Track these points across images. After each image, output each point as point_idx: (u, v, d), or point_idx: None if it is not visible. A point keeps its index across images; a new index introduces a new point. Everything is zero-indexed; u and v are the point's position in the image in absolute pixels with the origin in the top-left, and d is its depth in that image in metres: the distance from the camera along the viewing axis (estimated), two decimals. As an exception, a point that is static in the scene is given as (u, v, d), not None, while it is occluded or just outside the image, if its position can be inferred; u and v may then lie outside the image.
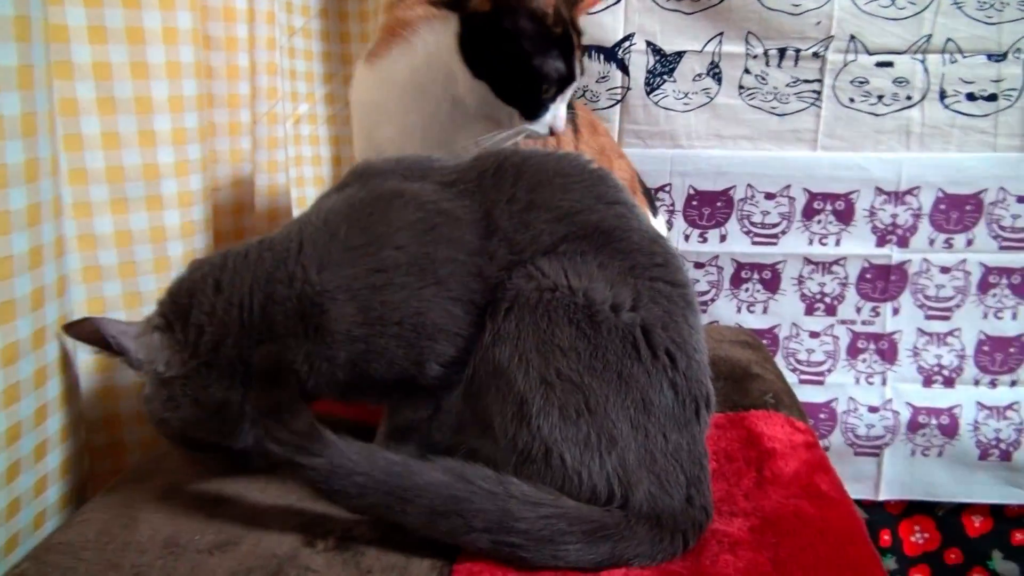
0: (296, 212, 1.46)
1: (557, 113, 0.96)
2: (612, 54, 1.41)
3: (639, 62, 1.41)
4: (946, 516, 1.60)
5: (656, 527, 0.72)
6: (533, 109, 0.95)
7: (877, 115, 1.42)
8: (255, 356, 0.71)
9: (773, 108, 1.43)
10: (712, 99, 1.43)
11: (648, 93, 1.43)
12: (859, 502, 1.58)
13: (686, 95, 1.43)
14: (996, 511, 1.59)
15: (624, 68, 1.42)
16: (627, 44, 1.41)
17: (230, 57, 1.13)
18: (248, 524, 0.73)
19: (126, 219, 0.96)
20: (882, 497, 1.56)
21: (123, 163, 0.94)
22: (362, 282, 0.74)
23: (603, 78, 1.42)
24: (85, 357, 0.91)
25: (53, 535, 0.73)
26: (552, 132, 0.97)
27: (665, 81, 1.42)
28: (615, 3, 1.38)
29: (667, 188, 1.47)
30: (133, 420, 0.99)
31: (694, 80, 1.42)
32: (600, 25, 1.40)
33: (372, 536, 0.71)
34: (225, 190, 1.17)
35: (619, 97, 1.43)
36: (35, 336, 0.77)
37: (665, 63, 1.42)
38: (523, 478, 0.72)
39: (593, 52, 1.41)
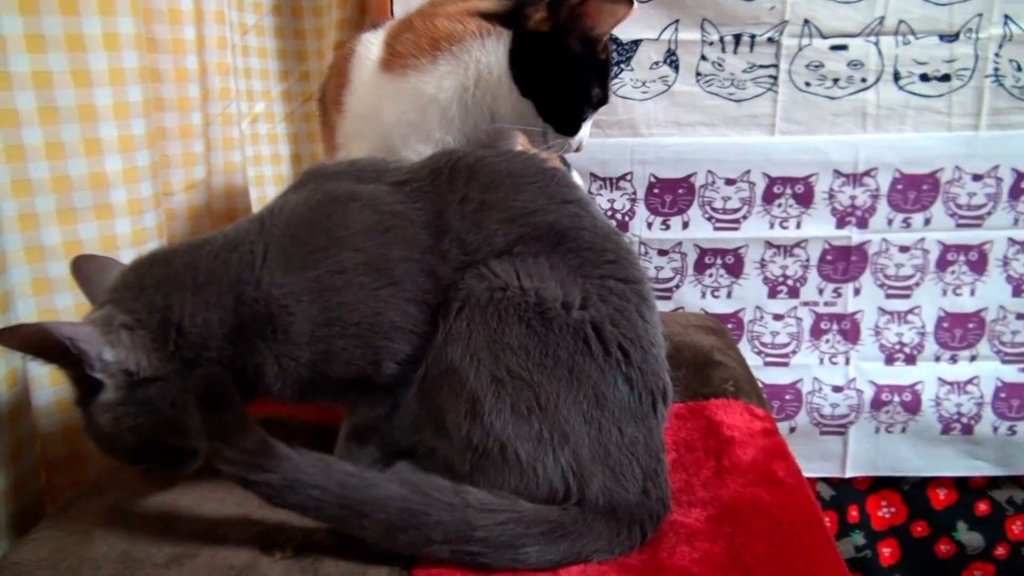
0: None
1: (585, 131, 0.98)
2: (569, 44, 1.41)
3: (596, 51, 1.41)
4: (912, 490, 1.63)
5: (613, 521, 0.72)
6: (572, 127, 0.96)
7: (833, 98, 1.43)
8: (192, 381, 0.69)
9: (730, 94, 1.44)
10: (670, 87, 1.43)
11: (606, 82, 1.43)
12: (827, 479, 1.61)
13: (644, 84, 1.43)
14: (960, 483, 1.62)
15: (581, 58, 1.41)
16: (583, 33, 1.40)
17: (177, 60, 1.11)
18: (205, 536, 0.73)
19: (74, 229, 0.95)
20: (849, 474, 1.59)
21: (68, 172, 0.93)
22: (323, 284, 0.75)
23: (560, 68, 1.42)
24: (40, 371, 0.90)
25: (7, 555, 0.72)
26: (578, 149, 0.99)
27: (623, 70, 1.42)
28: (570, -8, 1.38)
29: (628, 177, 1.48)
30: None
31: (651, 68, 1.42)
32: (556, 15, 1.39)
33: (330, 543, 0.71)
34: (179, 195, 1.16)
35: (577, 87, 1.43)
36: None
37: (622, 52, 1.42)
38: (479, 475, 0.73)
39: (549, 42, 1.40)
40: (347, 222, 0.77)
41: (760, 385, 1.49)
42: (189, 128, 1.15)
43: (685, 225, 1.50)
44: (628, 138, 1.46)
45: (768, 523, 0.75)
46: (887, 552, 1.65)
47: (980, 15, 1.38)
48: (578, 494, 0.72)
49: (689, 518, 0.78)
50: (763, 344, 1.56)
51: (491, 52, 0.91)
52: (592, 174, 1.47)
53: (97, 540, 0.73)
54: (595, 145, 1.44)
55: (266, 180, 1.51)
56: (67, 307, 0.95)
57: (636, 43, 1.41)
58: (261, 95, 1.47)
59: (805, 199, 1.48)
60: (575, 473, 0.72)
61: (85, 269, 0.81)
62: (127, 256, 0.98)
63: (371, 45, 0.97)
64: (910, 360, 1.55)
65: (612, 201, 1.49)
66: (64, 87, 0.90)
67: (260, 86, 1.46)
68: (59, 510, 0.79)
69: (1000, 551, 1.64)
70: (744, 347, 1.54)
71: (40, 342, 0.69)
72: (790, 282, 1.53)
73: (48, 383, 0.93)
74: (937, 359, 1.54)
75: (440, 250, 0.77)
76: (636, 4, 0.89)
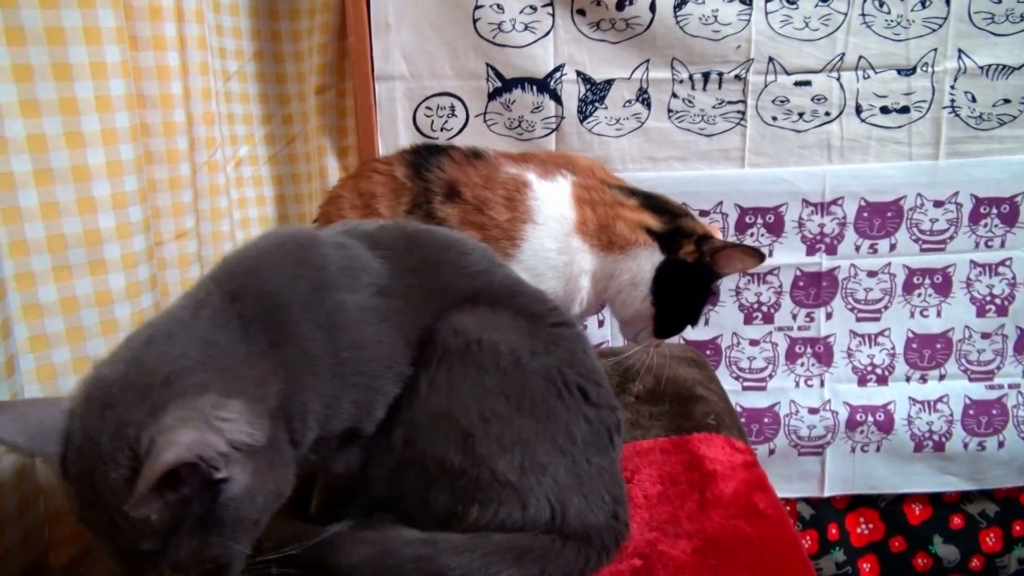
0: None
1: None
2: (545, 85, 1.46)
3: (571, 91, 1.46)
4: (888, 507, 1.68)
5: (585, 544, 0.78)
6: (670, 335, 1.15)
7: (799, 131, 1.49)
8: None
9: (701, 129, 1.49)
10: (643, 123, 1.48)
11: (581, 121, 1.48)
12: (806, 499, 1.66)
13: (618, 121, 1.48)
14: (934, 499, 1.68)
15: (557, 98, 1.46)
16: (558, 75, 1.45)
17: (166, 114, 1.14)
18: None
19: (71, 285, 0.96)
20: (827, 493, 1.64)
21: (63, 231, 0.94)
22: (332, 321, 0.74)
23: (537, 108, 1.47)
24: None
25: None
26: (658, 346, 1.19)
27: (597, 108, 1.47)
28: (544, 36, 1.43)
29: (606, 211, 1.52)
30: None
31: (624, 106, 1.48)
32: (532, 57, 1.44)
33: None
34: (169, 244, 1.18)
35: (554, 126, 1.48)
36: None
37: (596, 91, 1.47)
38: (472, 504, 0.77)
39: (526, 84, 1.45)
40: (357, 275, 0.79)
41: (739, 410, 1.55)
42: (178, 179, 1.17)
43: (662, 256, 1.55)
44: (604, 174, 1.50)
45: (750, 554, 0.79)
46: (867, 568, 1.69)
47: (935, 50, 1.45)
48: (561, 516, 0.77)
49: (676, 550, 0.82)
50: (741, 369, 1.60)
51: (646, 262, 1.10)
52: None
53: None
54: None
55: (251, 222, 1.53)
56: (64, 362, 0.97)
57: (609, 82, 1.46)
58: (245, 139, 1.49)
59: (776, 228, 1.54)
60: (556, 498, 0.78)
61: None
62: (122, 310, 1.01)
63: (557, 200, 1.12)
64: (882, 381, 1.60)
65: (591, 235, 1.54)
66: (58, 149, 0.92)
67: (244, 130, 1.49)
68: (66, 568, 0.81)
69: (975, 563, 1.70)
70: (723, 372, 1.59)
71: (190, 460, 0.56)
72: (765, 308, 1.58)
73: None
74: (908, 379, 1.60)
75: (413, 302, 0.80)
76: (765, 259, 1.10)
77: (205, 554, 0.60)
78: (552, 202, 1.11)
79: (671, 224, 1.12)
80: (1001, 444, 1.61)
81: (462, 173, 1.11)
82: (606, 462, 0.83)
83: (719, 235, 1.18)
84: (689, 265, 1.09)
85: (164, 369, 0.62)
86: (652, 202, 1.15)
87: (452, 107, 1.47)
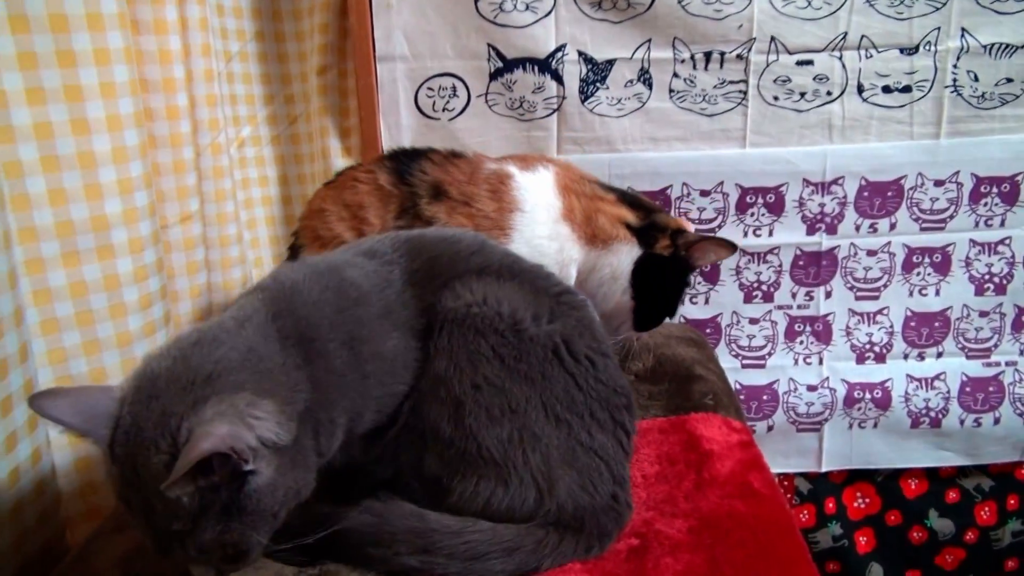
0: (246, 235, 1.49)
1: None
2: (546, 65, 1.46)
3: (572, 71, 1.46)
4: (885, 481, 1.71)
5: (578, 533, 0.79)
6: (649, 327, 1.19)
7: (800, 111, 1.49)
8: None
9: (703, 109, 1.49)
10: (644, 104, 1.49)
11: (583, 101, 1.48)
12: (804, 474, 1.69)
13: (619, 101, 1.48)
14: (930, 474, 1.70)
15: (558, 78, 1.46)
16: (560, 55, 1.45)
17: (169, 98, 1.15)
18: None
19: (79, 270, 0.98)
20: (825, 468, 1.66)
21: (71, 217, 0.96)
22: (352, 335, 0.78)
23: (539, 88, 1.47)
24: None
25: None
26: (638, 339, 1.22)
27: (599, 89, 1.47)
28: (546, 15, 1.43)
29: (607, 191, 1.53)
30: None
31: (626, 86, 1.48)
32: (533, 37, 1.44)
33: (338, 568, 0.77)
34: (174, 227, 1.20)
35: (555, 106, 1.48)
36: (2, 403, 0.80)
37: (597, 71, 1.47)
38: (457, 476, 0.79)
39: (527, 64, 1.45)
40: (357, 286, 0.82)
41: (738, 387, 1.57)
42: (182, 163, 1.19)
43: (663, 236, 1.56)
44: (605, 154, 1.51)
45: (745, 533, 0.81)
46: (863, 541, 1.72)
47: (938, 28, 1.44)
48: (548, 497, 0.78)
49: (672, 529, 0.84)
50: (740, 347, 1.62)
51: (625, 256, 1.13)
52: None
53: (119, 572, 0.77)
54: (574, 161, 1.49)
55: (255, 203, 1.55)
56: (75, 345, 0.99)
57: (611, 62, 1.46)
58: (247, 120, 1.50)
59: (776, 208, 1.54)
60: (544, 474, 0.79)
61: (58, 407, 0.67)
62: (130, 294, 1.03)
63: (541, 189, 1.14)
64: (880, 359, 1.62)
65: (592, 215, 1.55)
66: (65, 136, 0.94)
67: (246, 111, 1.49)
68: (81, 548, 0.83)
69: (970, 536, 1.73)
70: (722, 351, 1.61)
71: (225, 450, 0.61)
72: (764, 287, 1.59)
73: (67, 445, 0.98)
74: (905, 357, 1.62)
75: (419, 295, 0.83)
76: (738, 250, 1.12)
77: (227, 538, 0.64)
78: (536, 190, 1.13)
79: (647, 219, 1.14)
80: (997, 421, 1.63)
81: (445, 173, 1.12)
82: (610, 441, 0.83)
83: (691, 228, 1.21)
84: (665, 259, 1.13)
85: (207, 368, 0.67)
86: (628, 198, 1.18)
87: (454, 88, 1.48)
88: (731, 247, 1.14)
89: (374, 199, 1.11)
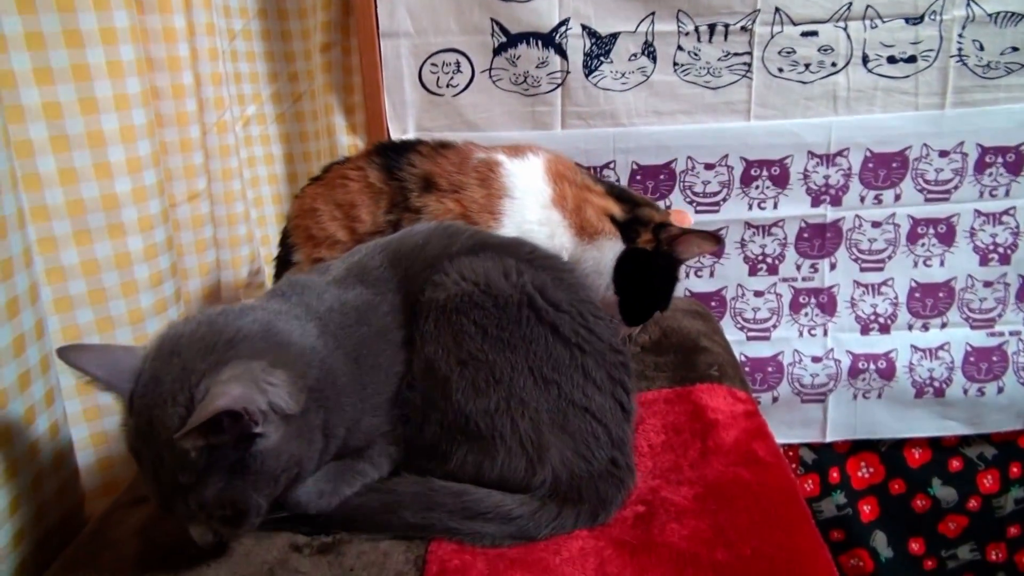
0: (252, 213, 1.50)
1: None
2: (550, 39, 1.45)
3: (576, 46, 1.46)
4: (889, 451, 1.72)
5: (576, 503, 0.80)
6: (638, 322, 1.17)
7: (805, 83, 1.49)
8: None
9: (707, 82, 1.49)
10: (648, 77, 1.48)
11: (587, 75, 1.48)
12: (808, 444, 1.70)
13: (623, 75, 1.48)
14: (934, 443, 1.72)
15: (562, 52, 1.46)
16: (563, 29, 1.45)
17: (174, 77, 1.15)
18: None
19: (91, 249, 0.99)
20: (829, 439, 1.68)
21: (82, 196, 0.97)
22: (358, 352, 0.83)
23: (543, 63, 1.47)
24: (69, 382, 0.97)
25: (63, 557, 0.79)
26: (631, 336, 1.22)
27: (602, 63, 1.47)
28: (549, -11, 1.42)
29: (611, 165, 1.53)
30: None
31: (630, 60, 1.47)
32: (536, 12, 1.43)
33: (351, 537, 0.79)
34: (182, 206, 1.21)
35: (559, 81, 1.48)
36: (20, 378, 0.81)
37: (601, 45, 1.46)
38: (454, 449, 0.81)
39: (531, 39, 1.45)
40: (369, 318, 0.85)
41: (743, 360, 1.58)
42: (189, 142, 1.20)
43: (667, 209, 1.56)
44: (610, 128, 1.51)
45: (749, 500, 0.83)
46: (867, 509, 1.75)
47: (944, -3, 1.44)
48: (539, 465, 0.80)
49: (678, 496, 0.85)
50: (745, 320, 1.63)
51: (607, 250, 1.11)
52: (576, 164, 1.52)
53: (137, 542, 0.80)
54: (578, 136, 1.51)
55: (261, 181, 1.56)
56: (89, 322, 1.00)
57: (614, 36, 1.46)
58: (252, 98, 1.50)
59: (781, 180, 1.54)
60: (533, 442, 0.80)
61: (84, 359, 0.71)
62: (141, 271, 1.04)
63: (530, 175, 1.13)
64: (884, 329, 1.63)
65: (597, 189, 1.55)
66: (73, 116, 0.95)
67: (250, 89, 1.50)
68: (99, 520, 0.86)
69: (973, 504, 1.75)
70: (727, 323, 1.62)
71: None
72: (769, 260, 1.60)
73: (83, 420, 1.01)
74: (910, 328, 1.63)
75: (402, 300, 0.87)
76: (722, 243, 1.10)
77: (227, 496, 0.68)
78: (526, 177, 1.12)
79: (631, 213, 1.13)
80: (1000, 390, 1.64)
81: (434, 164, 1.11)
82: (608, 401, 0.84)
83: (689, 220, 1.21)
84: (648, 253, 1.11)
85: (229, 333, 0.72)
86: (615, 191, 1.17)
87: (457, 63, 1.48)
88: (716, 240, 1.13)
89: (365, 197, 1.10)
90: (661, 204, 1.55)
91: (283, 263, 1.16)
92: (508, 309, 0.83)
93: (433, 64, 1.48)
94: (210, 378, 0.66)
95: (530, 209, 1.10)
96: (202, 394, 0.65)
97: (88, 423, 1.03)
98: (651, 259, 1.11)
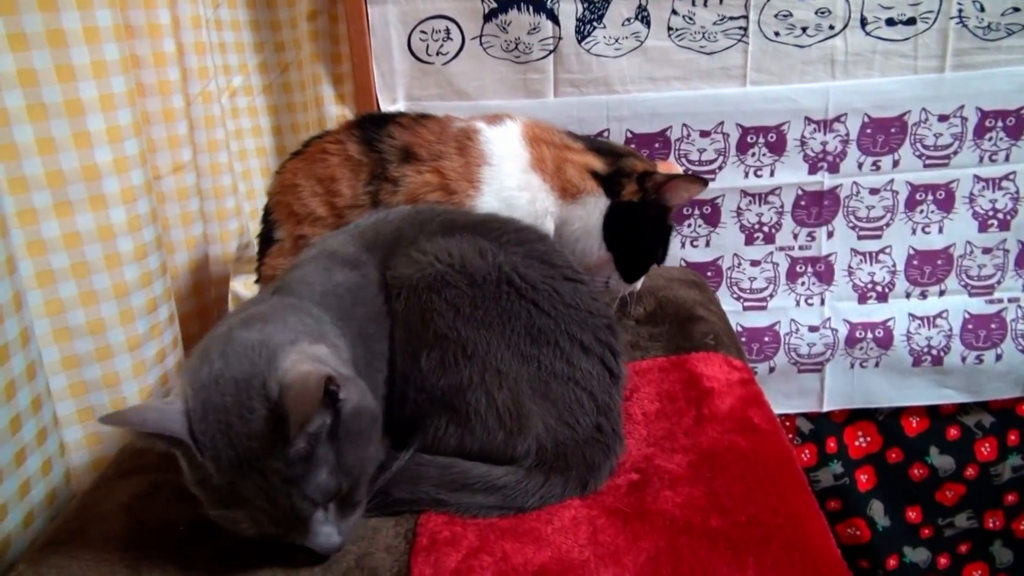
0: (241, 186, 1.47)
1: (641, 281, 1.19)
2: (541, 5, 1.42)
3: (568, 10, 1.43)
4: (886, 420, 1.71)
5: (564, 471, 0.80)
6: (636, 278, 1.16)
7: (802, 47, 1.46)
8: None
9: (702, 47, 1.46)
10: (642, 43, 1.45)
11: (580, 41, 1.45)
12: (805, 414, 1.69)
13: (617, 40, 1.45)
14: (931, 411, 1.71)
15: (554, 18, 1.43)
16: (555, -7, 1.42)
17: (155, 44, 1.12)
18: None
19: (72, 221, 0.97)
20: (826, 408, 1.67)
21: (61, 167, 0.95)
22: (363, 332, 0.83)
23: (534, 29, 1.44)
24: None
25: (43, 536, 0.78)
26: (631, 292, 1.20)
27: (595, 28, 1.44)
28: (540, -48, 1.39)
29: (605, 134, 1.51)
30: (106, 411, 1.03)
31: (623, 25, 1.44)
32: (527, -24, 1.40)
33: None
34: (167, 178, 1.18)
35: (551, 47, 1.45)
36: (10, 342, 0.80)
37: (594, 9, 1.43)
38: (434, 423, 0.81)
39: (522, 4, 1.42)
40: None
41: (740, 330, 1.57)
42: (172, 111, 1.17)
43: (662, 178, 1.54)
44: (604, 95, 1.48)
45: (744, 467, 0.82)
46: (864, 479, 1.74)
47: (944, -44, 1.40)
48: (519, 435, 0.79)
49: (671, 464, 0.84)
50: (742, 290, 1.62)
51: (593, 208, 1.10)
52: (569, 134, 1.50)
53: (124, 516, 0.78)
54: (571, 104, 1.48)
55: (249, 153, 1.53)
56: (72, 296, 0.98)
57: (607, 0, 1.43)
58: (238, 68, 1.47)
59: (778, 147, 1.52)
60: (512, 414, 0.79)
61: (129, 418, 0.71)
62: (124, 244, 1.02)
63: (507, 141, 1.11)
64: (882, 298, 1.61)
65: (590, 158, 1.53)
66: (50, 83, 0.92)
67: (236, 59, 1.46)
68: (85, 495, 0.84)
69: (970, 472, 1.74)
70: (723, 293, 1.61)
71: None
72: (766, 228, 1.58)
73: (69, 396, 1.00)
74: (908, 296, 1.61)
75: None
76: (709, 184, 1.08)
77: (342, 469, 0.68)
78: (502, 143, 1.10)
79: (614, 165, 1.11)
80: (999, 357, 1.63)
81: (413, 135, 1.09)
82: (595, 367, 0.83)
83: (676, 169, 1.18)
84: (635, 205, 1.09)
85: (257, 337, 0.70)
86: (595, 144, 1.15)
87: (447, 30, 1.44)
88: (702, 182, 1.10)
89: (345, 171, 1.09)
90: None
91: (265, 240, 1.14)
92: (486, 287, 0.82)
93: (423, 31, 1.45)
94: (273, 375, 0.66)
95: (509, 175, 1.08)
96: (275, 390, 0.65)
97: (75, 399, 1.01)
98: (639, 211, 1.09)
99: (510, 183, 1.08)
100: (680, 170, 1.20)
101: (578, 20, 1.43)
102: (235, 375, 0.66)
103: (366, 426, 0.70)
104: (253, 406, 0.65)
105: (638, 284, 1.18)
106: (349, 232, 0.94)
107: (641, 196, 1.09)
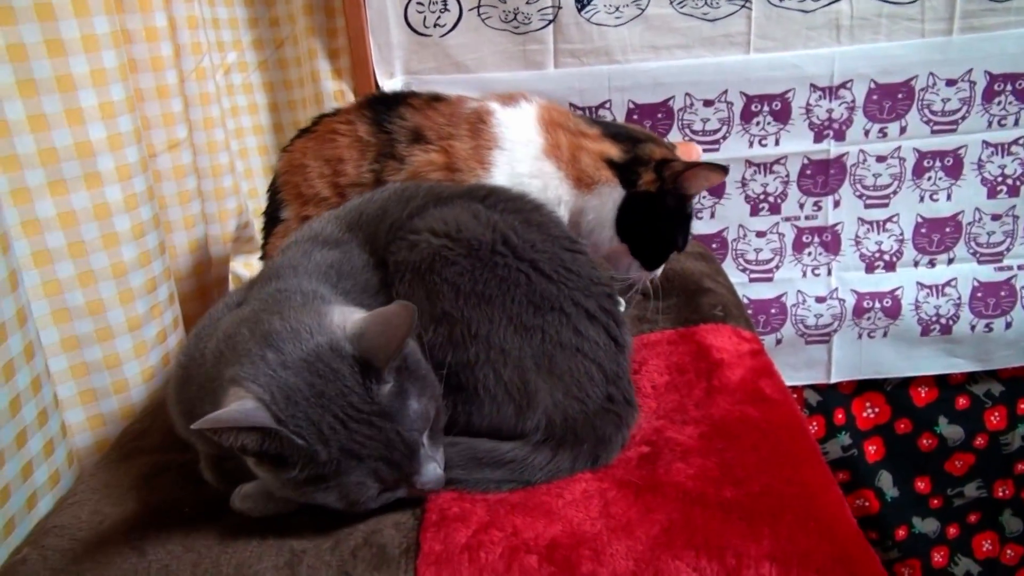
0: (238, 165, 1.45)
1: (661, 268, 1.16)
2: (540, -27, 1.39)
3: (567, -22, 1.40)
4: (894, 390, 1.70)
5: (574, 445, 0.78)
6: (657, 265, 1.13)
7: (806, 11, 1.43)
8: None
9: (704, 14, 1.43)
10: (643, 10, 1.42)
11: (579, 10, 1.42)
12: (813, 386, 1.68)
13: (617, 8, 1.42)
14: (940, 381, 1.69)
15: (553, -14, 1.40)
16: (554, -40, 1.38)
17: (146, 19, 1.10)
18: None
19: (67, 199, 0.95)
20: (834, 379, 1.66)
21: (54, 144, 0.93)
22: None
23: (533, -1, 1.41)
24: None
25: (47, 519, 0.77)
26: (652, 280, 1.16)
27: (595, -4, 1.41)
28: (538, -81, 1.36)
29: (607, 104, 1.48)
30: (108, 393, 1.02)
31: (624, -8, 1.41)
32: (525, -57, 1.37)
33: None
34: (163, 155, 1.16)
35: (551, 17, 1.42)
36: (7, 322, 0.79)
37: (594, -23, 1.40)
38: (450, 402, 0.79)
39: (520, -27, 1.39)
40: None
41: (746, 302, 1.55)
42: (166, 88, 1.15)
43: (666, 149, 1.52)
44: (605, 66, 1.46)
45: (756, 437, 0.81)
46: (872, 450, 1.73)
47: (952, -85, 1.37)
48: (529, 410, 0.78)
49: (683, 435, 0.83)
50: (747, 261, 1.60)
51: (607, 198, 1.06)
52: (571, 104, 1.47)
53: (131, 499, 0.77)
54: (572, 75, 1.45)
55: (246, 131, 1.51)
56: (70, 276, 0.97)
57: (608, -33, 1.40)
58: (232, 45, 1.45)
59: (783, 115, 1.50)
60: (519, 389, 0.78)
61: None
62: (122, 222, 1.00)
63: (522, 124, 1.08)
64: (890, 267, 1.59)
65: (593, 130, 1.50)
66: (40, 58, 0.90)
67: (230, 36, 1.44)
68: (90, 475, 0.83)
69: (979, 441, 1.73)
70: (729, 265, 1.59)
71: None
72: (771, 199, 1.56)
73: (70, 378, 0.99)
74: (916, 264, 1.59)
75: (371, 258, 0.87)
76: (728, 171, 1.05)
77: (426, 397, 0.70)
78: (517, 127, 1.07)
79: (631, 152, 1.07)
80: (1008, 325, 1.61)
81: (424, 117, 1.07)
82: (601, 336, 0.82)
83: (697, 152, 1.15)
84: (652, 195, 1.05)
85: (295, 315, 0.70)
86: (612, 129, 1.10)
87: (444, 1, 1.42)
88: (722, 170, 1.06)
89: (354, 152, 1.06)
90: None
91: (271, 219, 1.12)
92: (482, 252, 0.81)
93: (419, 3, 1.42)
94: (332, 334, 0.68)
95: (520, 161, 1.05)
96: (350, 346, 0.67)
97: (76, 381, 1.00)
98: (656, 201, 1.06)
99: (522, 169, 1.05)
100: (700, 154, 1.17)
101: (578, -12, 1.40)
102: (302, 356, 0.66)
103: (425, 367, 0.73)
104: (336, 367, 0.66)
105: (658, 271, 1.15)
106: (331, 215, 0.93)
107: (659, 186, 1.05)
